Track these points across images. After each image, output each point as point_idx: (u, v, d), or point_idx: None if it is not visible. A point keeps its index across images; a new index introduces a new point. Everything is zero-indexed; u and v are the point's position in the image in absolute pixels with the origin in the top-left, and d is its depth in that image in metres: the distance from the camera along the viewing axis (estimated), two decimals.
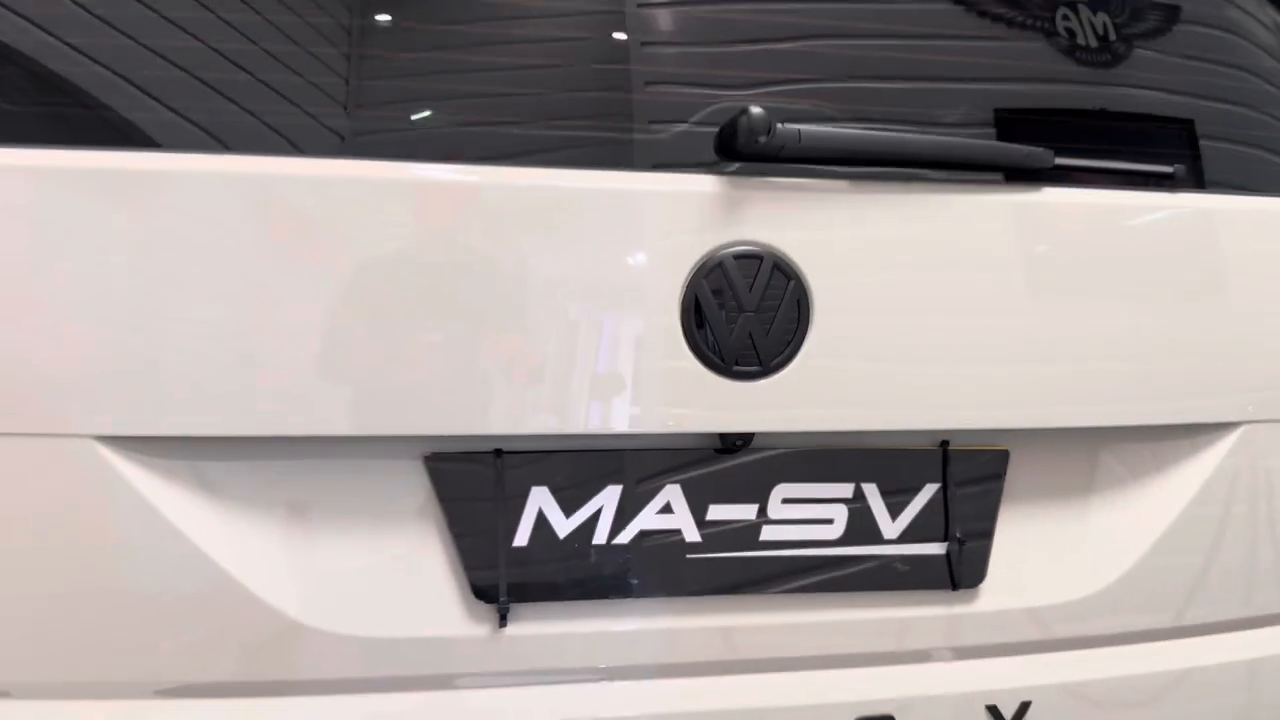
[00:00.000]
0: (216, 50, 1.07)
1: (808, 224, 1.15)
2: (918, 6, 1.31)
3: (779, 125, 1.09)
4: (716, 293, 1.11)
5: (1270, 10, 1.49)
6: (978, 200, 1.22)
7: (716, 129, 1.12)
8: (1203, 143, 1.36)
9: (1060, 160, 1.23)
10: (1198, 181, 1.35)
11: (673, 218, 1.14)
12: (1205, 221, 1.32)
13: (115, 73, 1.04)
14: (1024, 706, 1.23)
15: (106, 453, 1.00)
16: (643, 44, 1.22)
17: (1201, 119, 1.37)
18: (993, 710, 1.22)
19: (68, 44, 1.05)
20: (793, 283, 1.12)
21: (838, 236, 1.17)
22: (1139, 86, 1.39)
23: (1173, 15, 1.42)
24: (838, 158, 1.16)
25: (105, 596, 1.03)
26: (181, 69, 1.06)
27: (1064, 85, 1.36)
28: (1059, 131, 1.31)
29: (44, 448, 1.00)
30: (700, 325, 1.11)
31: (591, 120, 1.19)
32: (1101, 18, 1.36)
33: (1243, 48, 1.45)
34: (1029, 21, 1.34)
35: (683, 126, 1.19)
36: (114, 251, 1.01)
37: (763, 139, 1.08)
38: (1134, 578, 1.28)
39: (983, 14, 1.33)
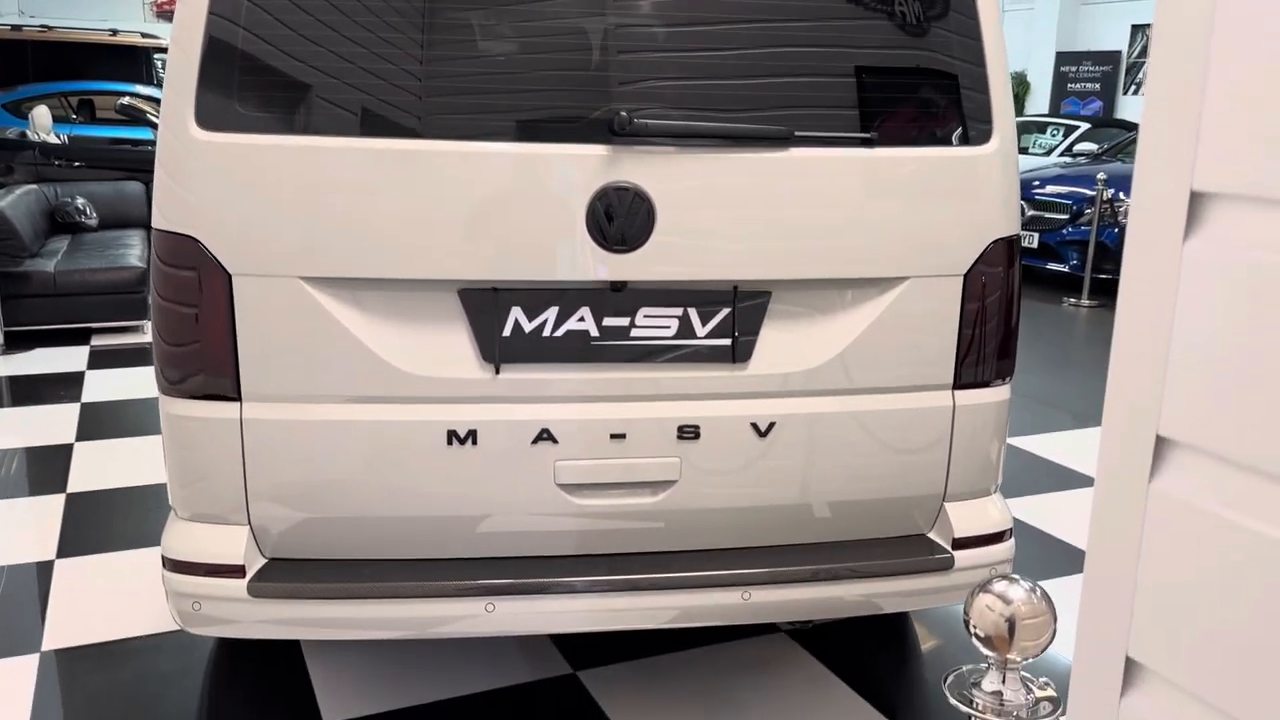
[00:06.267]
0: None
1: (655, 170, 2.05)
2: (733, 54, 2.08)
3: (634, 119, 2.00)
4: (606, 207, 2.05)
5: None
6: (750, 155, 2.08)
7: (608, 122, 2.03)
8: (888, 117, 2.16)
9: (798, 132, 2.08)
10: (887, 142, 2.14)
11: (585, 167, 2.04)
12: (893, 163, 2.13)
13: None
14: (771, 425, 2.20)
15: (306, 285, 2.04)
16: (595, 75, 2.06)
17: (893, 105, 2.18)
18: (754, 426, 2.19)
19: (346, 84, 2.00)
20: (646, 202, 2.06)
21: (672, 174, 2.05)
22: (851, 92, 2.15)
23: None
24: (668, 135, 2.03)
25: (310, 355, 2.06)
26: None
27: (807, 98, 2.12)
28: (803, 114, 2.10)
29: (276, 283, 2.04)
30: (597, 224, 2.06)
31: (564, 120, 2.05)
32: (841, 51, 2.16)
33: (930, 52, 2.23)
34: (805, 58, 2.13)
35: (596, 118, 2.05)
36: (346, 193, 2.00)
37: (626, 127, 2.01)
38: (837, 360, 2.20)
39: (776, 56, 2.11)
